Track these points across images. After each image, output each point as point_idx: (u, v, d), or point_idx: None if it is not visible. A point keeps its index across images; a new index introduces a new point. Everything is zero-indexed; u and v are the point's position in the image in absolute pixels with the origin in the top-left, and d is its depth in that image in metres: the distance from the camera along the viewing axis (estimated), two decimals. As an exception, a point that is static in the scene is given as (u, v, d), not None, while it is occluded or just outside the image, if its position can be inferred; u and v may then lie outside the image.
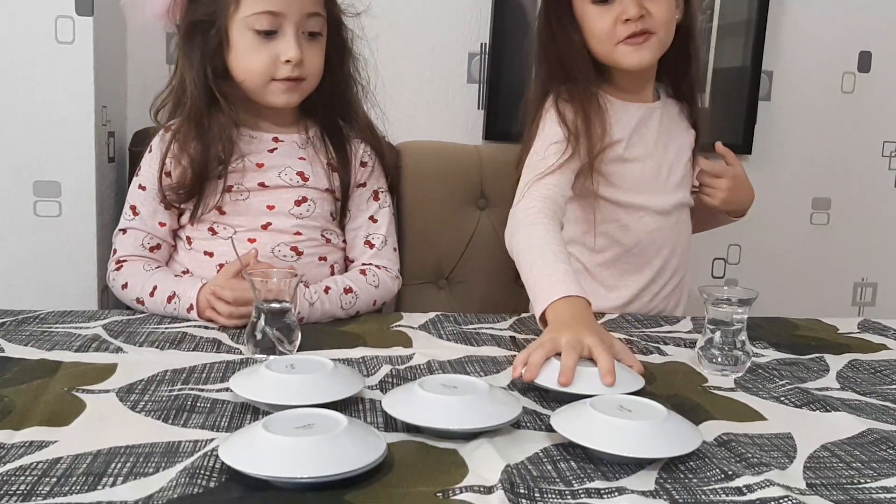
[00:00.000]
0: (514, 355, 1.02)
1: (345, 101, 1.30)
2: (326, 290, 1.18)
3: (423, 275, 1.66)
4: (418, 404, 0.75)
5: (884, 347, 1.15)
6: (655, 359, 1.06)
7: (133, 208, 1.24)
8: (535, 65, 1.38)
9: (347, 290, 1.20)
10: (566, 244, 1.28)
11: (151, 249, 1.24)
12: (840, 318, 1.34)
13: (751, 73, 1.85)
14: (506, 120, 1.78)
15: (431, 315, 1.23)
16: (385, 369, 0.94)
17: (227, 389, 0.84)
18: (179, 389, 0.85)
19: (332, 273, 1.27)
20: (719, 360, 0.99)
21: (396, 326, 1.16)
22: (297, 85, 1.21)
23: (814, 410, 0.88)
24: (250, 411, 0.80)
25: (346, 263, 1.32)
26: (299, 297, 1.12)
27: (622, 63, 1.29)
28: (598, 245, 1.34)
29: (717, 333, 1.00)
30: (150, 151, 1.25)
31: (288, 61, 1.18)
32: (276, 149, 1.25)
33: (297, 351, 0.99)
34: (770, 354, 1.09)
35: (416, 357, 1.00)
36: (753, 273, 1.96)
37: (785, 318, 1.31)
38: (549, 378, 0.87)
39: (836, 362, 1.07)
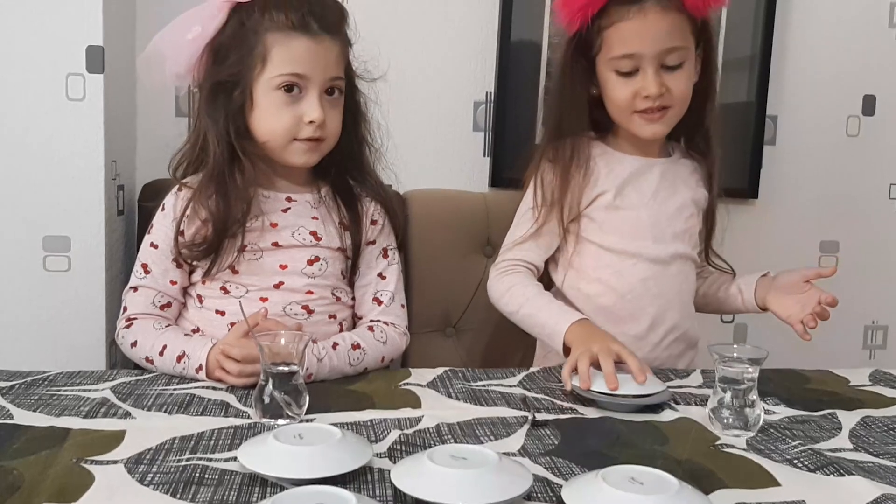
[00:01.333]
0: (525, 416, 1.02)
1: (357, 161, 1.31)
2: (335, 346, 1.18)
3: (430, 323, 1.66)
4: (428, 477, 0.75)
5: (896, 402, 1.14)
6: (667, 415, 1.05)
7: (144, 266, 1.25)
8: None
9: (355, 347, 1.20)
10: (563, 289, 1.39)
11: (162, 308, 1.24)
12: (851, 368, 1.33)
13: (755, 117, 1.86)
14: (512, 167, 1.78)
15: (440, 371, 1.22)
16: (393, 435, 0.93)
17: (235, 459, 0.84)
18: (188, 459, 0.85)
19: (341, 330, 1.27)
20: (730, 420, 0.98)
21: (405, 384, 1.15)
22: (318, 145, 1.23)
23: (827, 475, 0.87)
24: (258, 483, 0.80)
25: (355, 320, 1.32)
26: (308, 353, 1.12)
27: (636, 133, 1.33)
28: (592, 290, 1.35)
29: (728, 394, 0.99)
30: (163, 210, 1.26)
31: (311, 122, 1.19)
32: (289, 208, 1.26)
33: (306, 413, 0.99)
34: (781, 411, 1.08)
35: (425, 420, 1.00)
36: (762, 318, 1.94)
37: (795, 370, 1.31)
38: (598, 385, 1.08)
39: (848, 419, 1.06)
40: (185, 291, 1.27)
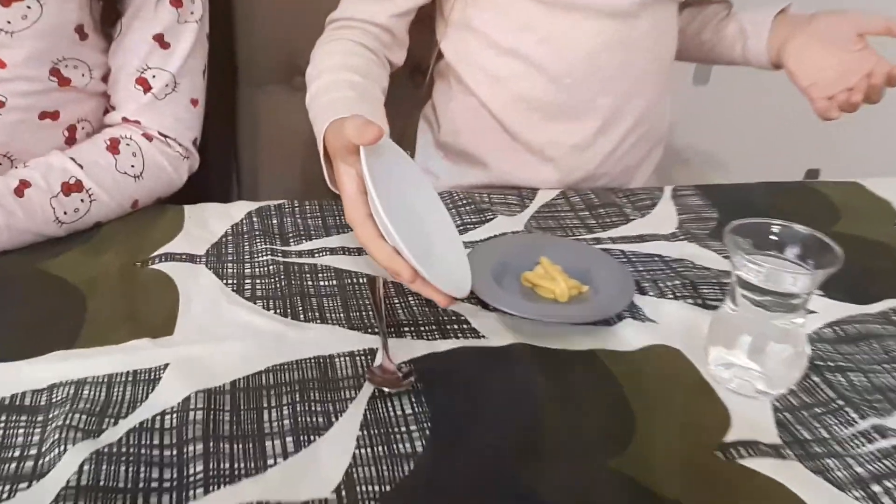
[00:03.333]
0: (373, 348, 0.54)
1: None
2: (21, 189, 0.62)
3: (269, 74, 1.11)
4: None
5: None
6: (627, 337, 0.58)
7: None
8: None
9: (72, 187, 0.65)
10: (455, 67, 0.83)
11: None
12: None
13: None
14: None
15: (238, 214, 0.71)
16: (70, 464, 0.44)
17: None
18: None
19: (74, 141, 0.71)
20: (746, 371, 0.53)
21: (160, 259, 0.63)
22: None
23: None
24: None
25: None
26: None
27: None
28: (504, 71, 0.80)
29: (752, 323, 0.52)
30: None
31: None
32: None
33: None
34: (819, 308, 0.63)
35: (164, 387, 0.50)
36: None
37: (805, 184, 0.84)
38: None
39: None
40: None
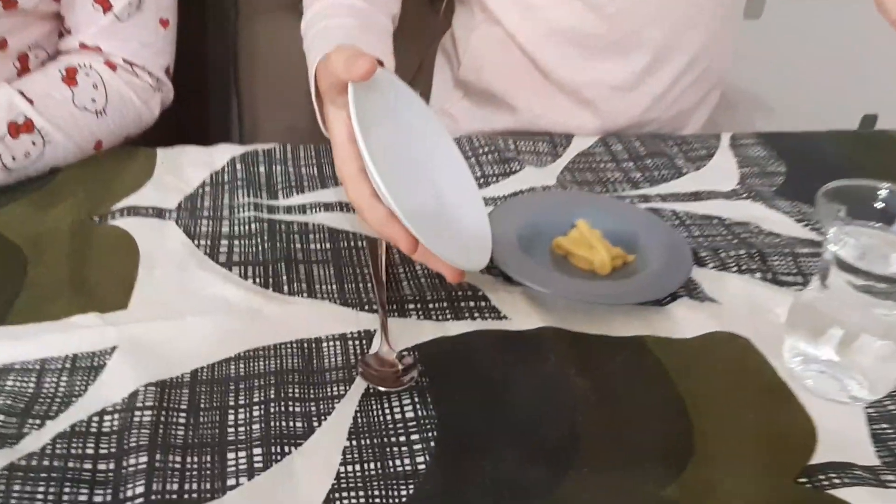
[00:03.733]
0: (370, 329, 0.44)
1: None
2: (-46, 129, 0.53)
3: (273, -2, 1.00)
4: None
5: None
6: (686, 322, 0.47)
7: None
8: None
9: (20, 128, 0.54)
10: (480, 1, 0.71)
11: None
12: None
13: None
14: None
15: (221, 159, 0.60)
16: None
17: None
18: None
19: (27, 73, 0.60)
20: (832, 368, 0.42)
21: (123, 213, 0.53)
22: None
23: None
24: None
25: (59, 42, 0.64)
26: None
27: None
28: (545, 2, 0.67)
29: (853, 310, 0.41)
30: None
31: None
32: None
33: None
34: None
35: (109, 378, 0.40)
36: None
37: (887, 134, 0.72)
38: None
39: None
40: None
